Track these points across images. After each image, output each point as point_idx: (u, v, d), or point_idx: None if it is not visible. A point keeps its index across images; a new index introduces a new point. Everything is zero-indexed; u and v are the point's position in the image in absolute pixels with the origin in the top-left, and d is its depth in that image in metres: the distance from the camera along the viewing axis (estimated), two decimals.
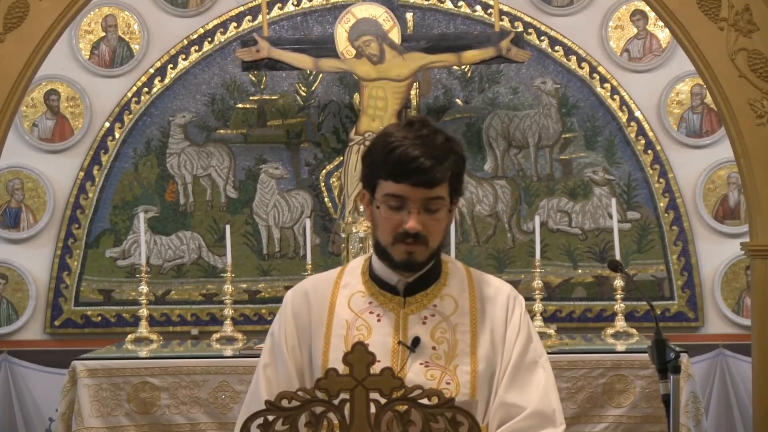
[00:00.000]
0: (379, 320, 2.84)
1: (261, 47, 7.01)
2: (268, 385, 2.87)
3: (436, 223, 2.79)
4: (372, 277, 2.90)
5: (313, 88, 7.61)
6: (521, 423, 2.79)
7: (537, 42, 7.55)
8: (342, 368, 2.77)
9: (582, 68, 7.56)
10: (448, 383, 2.78)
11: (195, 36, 7.62)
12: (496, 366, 2.85)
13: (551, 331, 6.72)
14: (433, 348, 2.81)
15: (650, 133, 7.53)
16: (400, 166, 2.73)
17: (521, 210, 7.55)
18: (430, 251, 2.82)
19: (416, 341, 2.81)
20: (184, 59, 7.61)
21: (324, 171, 7.55)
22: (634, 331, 6.74)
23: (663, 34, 7.57)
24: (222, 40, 7.62)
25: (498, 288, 2.97)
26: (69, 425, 6.04)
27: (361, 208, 6.63)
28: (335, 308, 2.87)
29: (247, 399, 2.95)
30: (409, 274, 2.84)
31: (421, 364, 2.80)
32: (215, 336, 6.84)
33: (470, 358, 2.82)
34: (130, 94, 7.58)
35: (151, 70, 7.61)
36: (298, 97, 7.62)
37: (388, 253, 2.82)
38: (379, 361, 2.75)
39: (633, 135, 7.53)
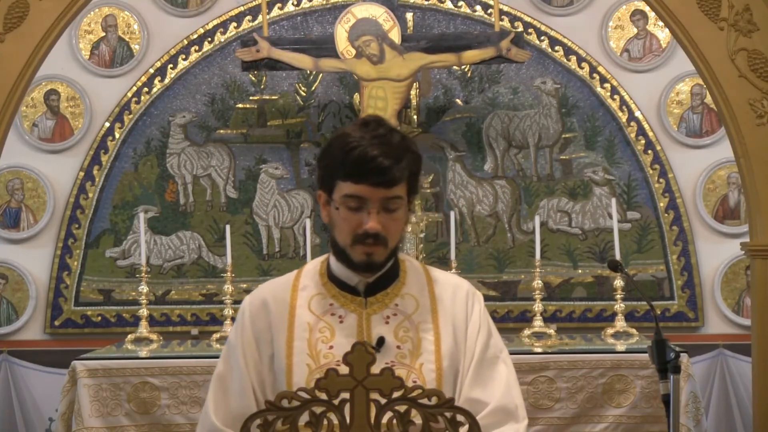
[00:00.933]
0: (341, 321, 2.83)
1: (261, 47, 7.01)
2: (224, 395, 2.85)
3: (395, 222, 2.78)
4: (331, 278, 2.88)
5: (313, 88, 7.61)
6: (484, 419, 2.78)
7: (537, 42, 7.55)
8: (306, 370, 2.77)
9: (582, 68, 7.56)
10: (414, 381, 2.77)
11: (195, 36, 7.62)
12: (460, 362, 2.85)
13: (551, 331, 6.72)
14: (398, 347, 2.80)
15: (650, 133, 7.53)
16: (359, 167, 2.72)
17: (521, 210, 7.55)
18: (389, 251, 2.81)
19: (381, 341, 2.79)
20: (184, 59, 7.61)
21: None
22: (634, 331, 6.74)
23: (663, 34, 7.57)
24: (222, 40, 7.62)
25: (456, 285, 2.97)
26: (69, 425, 6.04)
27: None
28: (296, 311, 2.85)
29: (203, 410, 2.92)
30: (369, 275, 2.83)
31: (387, 363, 2.77)
32: (215, 336, 6.83)
33: (435, 356, 2.82)
34: (130, 94, 7.58)
35: (151, 70, 7.61)
36: (298, 97, 7.62)
37: (347, 254, 2.80)
38: (338, 362, 2.75)
39: (633, 135, 7.53)
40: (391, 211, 2.76)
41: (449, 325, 2.86)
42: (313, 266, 2.95)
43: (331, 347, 2.79)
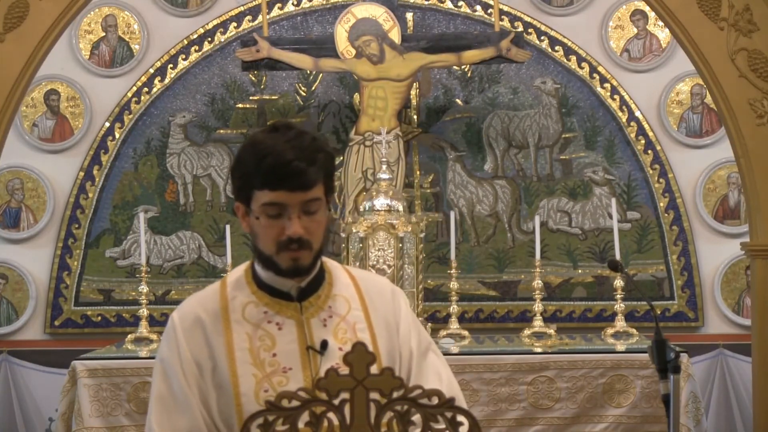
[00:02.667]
0: (280, 328, 2.79)
1: (261, 47, 7.01)
2: (168, 415, 2.77)
3: (316, 224, 2.76)
4: (261, 286, 2.83)
5: (313, 88, 7.61)
6: None
7: (537, 42, 7.56)
8: (252, 380, 2.72)
9: (582, 68, 7.57)
10: None
11: (195, 36, 7.62)
12: (396, 359, 2.84)
13: (551, 331, 6.72)
14: (340, 349, 2.76)
15: (650, 133, 7.53)
16: (274, 173, 2.68)
17: (521, 210, 7.56)
18: (314, 254, 2.78)
19: (324, 344, 2.76)
20: (184, 59, 7.61)
21: None
22: (634, 331, 6.74)
23: (663, 34, 7.58)
24: (222, 40, 7.62)
25: (380, 282, 2.98)
26: (69, 425, 6.04)
27: (362, 207, 6.64)
28: (230, 323, 2.80)
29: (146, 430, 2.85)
30: (300, 279, 2.80)
31: (333, 366, 2.70)
32: None
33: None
34: (130, 94, 7.59)
35: (151, 70, 7.61)
36: (298, 97, 7.62)
37: (273, 261, 2.76)
38: (291, 369, 2.72)
39: (633, 135, 7.53)
40: (312, 213, 2.73)
41: (382, 323, 2.85)
42: (237, 276, 2.89)
43: (274, 355, 2.75)
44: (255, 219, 2.75)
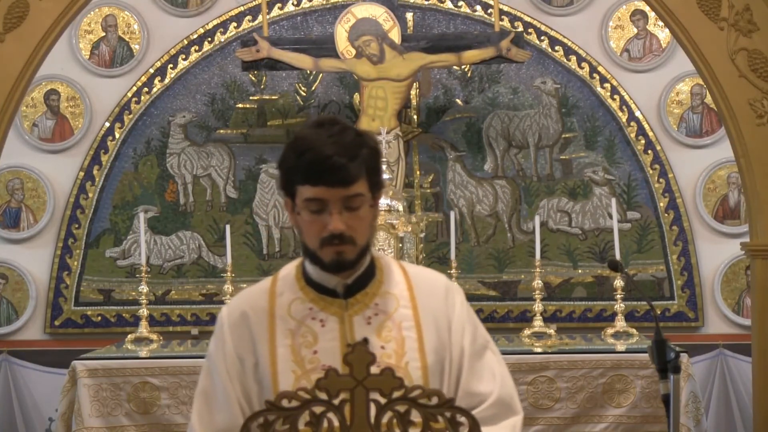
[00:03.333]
0: (323, 325, 2.79)
1: (261, 47, 7.01)
2: (209, 411, 2.81)
3: (359, 220, 2.74)
4: (308, 282, 2.84)
5: (313, 88, 7.61)
6: (486, 412, 2.77)
7: (537, 42, 7.56)
8: (291, 377, 2.73)
9: (582, 68, 7.56)
10: None
11: (195, 36, 7.62)
12: (445, 358, 2.82)
13: (551, 331, 6.73)
14: (382, 347, 2.75)
15: (650, 133, 7.53)
16: (314, 168, 2.69)
17: (521, 210, 7.56)
18: (358, 249, 2.76)
19: (365, 342, 2.78)
20: (184, 59, 7.61)
21: None
22: (634, 331, 6.74)
23: (663, 34, 7.58)
24: (222, 40, 7.62)
25: (434, 279, 2.94)
26: (69, 425, 6.05)
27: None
28: (275, 318, 2.81)
29: (189, 427, 2.87)
30: (346, 275, 2.79)
31: (330, 366, 2.72)
32: None
33: (419, 354, 2.78)
34: (130, 94, 7.59)
35: (151, 70, 7.61)
36: (298, 97, 7.62)
37: (318, 257, 2.77)
38: (330, 366, 2.69)
39: (633, 135, 7.53)
40: (354, 209, 2.72)
41: (431, 321, 2.83)
42: (288, 271, 2.90)
43: (315, 352, 2.75)
44: (298, 214, 2.77)
